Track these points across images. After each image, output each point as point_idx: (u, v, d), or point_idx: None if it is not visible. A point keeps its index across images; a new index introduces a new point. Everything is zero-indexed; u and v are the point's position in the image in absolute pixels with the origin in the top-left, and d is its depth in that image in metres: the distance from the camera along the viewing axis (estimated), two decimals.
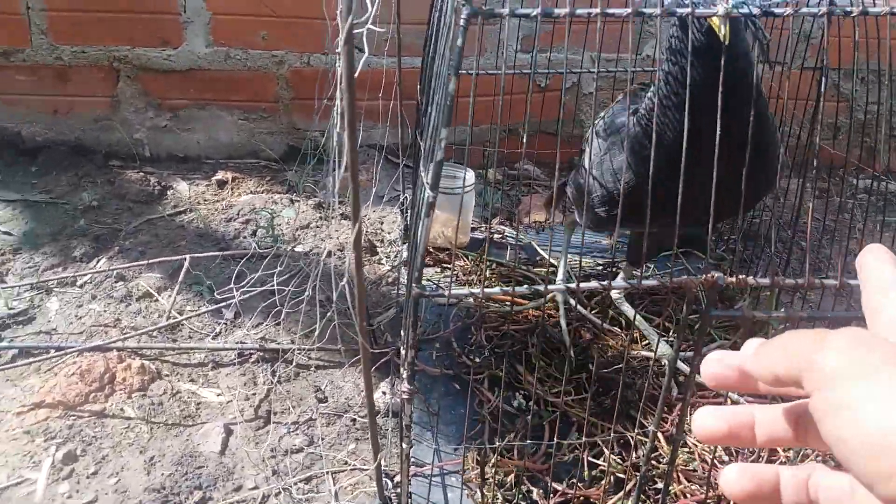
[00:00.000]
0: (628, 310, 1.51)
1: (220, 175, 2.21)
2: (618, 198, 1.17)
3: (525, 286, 0.91)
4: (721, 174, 0.81)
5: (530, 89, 2.06)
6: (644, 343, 1.49)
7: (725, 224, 1.87)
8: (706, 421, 0.41)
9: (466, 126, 2.27)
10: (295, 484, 1.22)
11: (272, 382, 1.44)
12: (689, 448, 1.23)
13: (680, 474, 1.18)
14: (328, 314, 1.28)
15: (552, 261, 1.75)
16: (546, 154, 2.36)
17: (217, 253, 1.77)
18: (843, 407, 0.31)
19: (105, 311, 1.63)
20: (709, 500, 1.08)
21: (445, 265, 1.79)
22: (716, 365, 0.41)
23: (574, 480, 1.15)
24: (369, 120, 2.28)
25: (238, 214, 2.01)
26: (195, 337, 1.57)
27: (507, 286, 1.69)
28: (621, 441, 1.24)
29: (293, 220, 1.97)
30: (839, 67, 1.86)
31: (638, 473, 1.12)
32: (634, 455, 1.20)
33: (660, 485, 1.14)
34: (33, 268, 1.76)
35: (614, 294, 1.53)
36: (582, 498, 1.14)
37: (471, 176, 1.80)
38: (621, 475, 1.17)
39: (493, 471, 1.17)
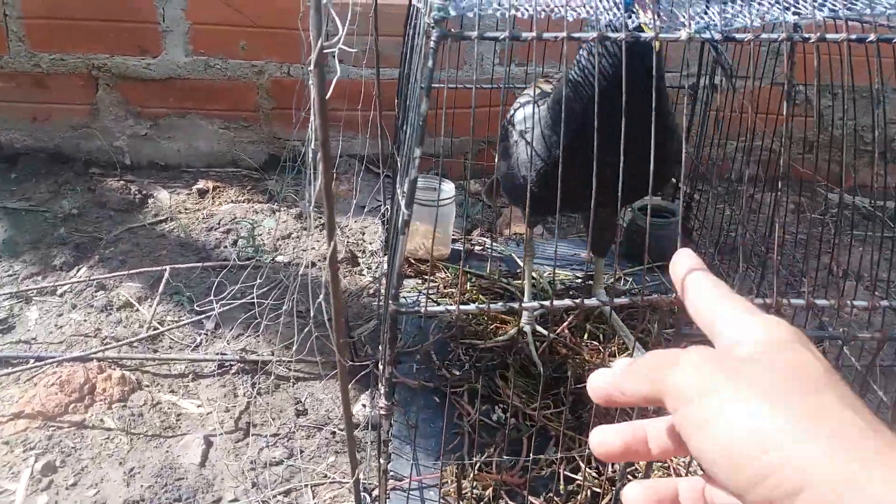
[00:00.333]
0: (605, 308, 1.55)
1: (200, 184, 2.22)
2: (545, 175, 1.22)
3: (500, 303, 0.93)
4: (618, 161, 0.84)
5: (503, 102, 2.08)
6: (623, 354, 1.52)
7: (704, 237, 1.90)
8: (602, 438, 0.41)
9: (447, 138, 2.29)
10: (274, 497, 1.23)
11: (252, 394, 1.45)
12: (665, 462, 1.26)
13: None
14: (308, 326, 1.29)
15: (533, 274, 1.77)
16: None
17: (197, 264, 1.78)
18: (700, 424, 0.32)
19: (85, 320, 1.63)
20: None
21: (426, 276, 1.81)
22: (600, 386, 0.40)
23: (551, 495, 1.17)
24: (350, 130, 2.29)
25: (219, 224, 2.01)
26: (176, 348, 1.57)
27: (489, 299, 1.71)
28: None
29: (274, 230, 1.98)
30: (805, 84, 1.90)
31: (614, 488, 1.14)
32: (611, 469, 1.22)
33: None
34: (13, 276, 1.76)
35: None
36: None
37: (450, 188, 1.81)
38: (597, 489, 1.19)
39: (472, 485, 1.19)
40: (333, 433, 1.37)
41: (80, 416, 1.37)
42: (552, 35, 0.90)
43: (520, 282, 1.77)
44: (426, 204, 1.76)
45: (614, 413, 1.28)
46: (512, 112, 1.45)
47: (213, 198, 2.18)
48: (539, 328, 1.56)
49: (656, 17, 0.88)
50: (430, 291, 1.73)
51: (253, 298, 1.55)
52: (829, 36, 0.90)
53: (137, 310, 1.67)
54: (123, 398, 1.43)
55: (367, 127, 2.14)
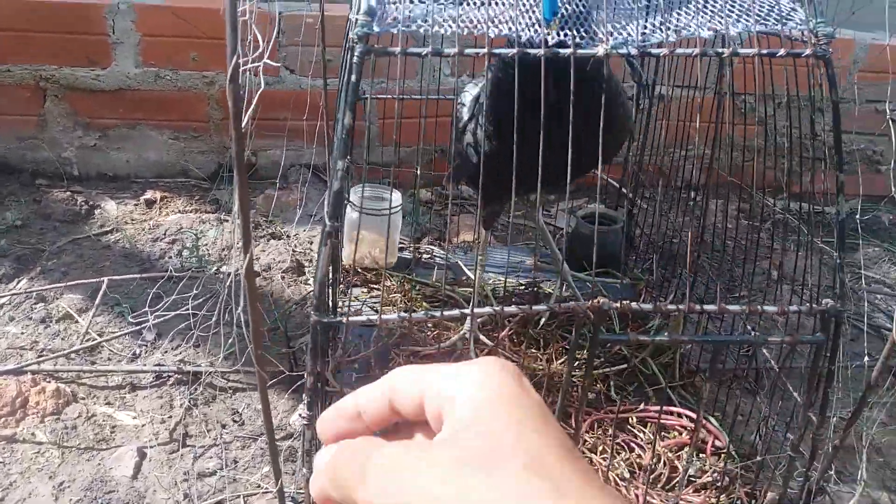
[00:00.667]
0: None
1: (148, 194, 2.20)
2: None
3: (423, 313, 0.93)
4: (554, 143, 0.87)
5: (455, 114, 2.10)
6: (560, 361, 1.53)
7: (646, 244, 1.93)
8: (322, 426, 0.40)
9: (401, 147, 2.31)
10: None
11: (189, 405, 1.44)
12: (589, 461, 1.27)
13: None
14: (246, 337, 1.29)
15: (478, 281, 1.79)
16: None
17: (135, 276, 1.77)
18: None
19: (22, 333, 1.61)
20: None
21: (372, 285, 1.81)
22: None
23: None
24: (298, 140, 2.29)
25: (165, 234, 2.00)
26: (115, 359, 1.56)
27: (433, 306, 1.72)
28: None
29: (219, 240, 1.97)
30: (745, 92, 1.94)
31: None
32: None
33: None
34: None
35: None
36: None
37: (397, 197, 1.82)
38: None
39: None
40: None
41: (10, 431, 1.35)
42: (474, 51, 0.92)
43: (464, 289, 1.78)
44: (372, 213, 1.77)
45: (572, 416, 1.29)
46: (462, 94, 1.48)
47: (160, 208, 2.17)
48: (482, 337, 1.57)
49: (566, 33, 0.90)
50: (375, 300, 1.73)
51: (192, 310, 1.54)
52: (741, 50, 0.93)
53: (77, 322, 1.65)
54: (57, 411, 1.41)
55: (314, 136, 2.15)
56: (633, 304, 0.92)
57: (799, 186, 1.39)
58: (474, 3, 0.98)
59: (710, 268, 1.57)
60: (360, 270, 1.84)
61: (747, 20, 0.90)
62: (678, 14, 0.92)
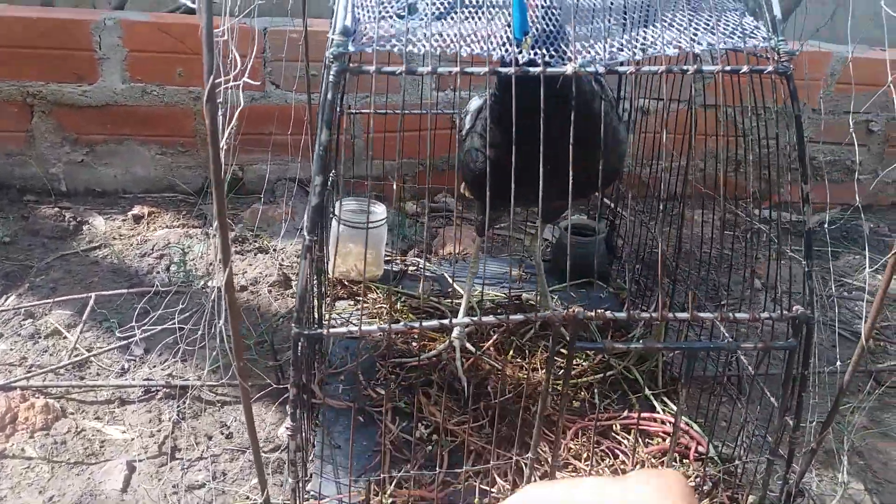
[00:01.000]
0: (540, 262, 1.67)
1: (136, 210, 2.22)
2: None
3: (402, 324, 0.96)
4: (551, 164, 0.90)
5: (432, 127, 2.13)
6: (544, 370, 1.55)
7: (630, 254, 1.95)
8: None
9: (390, 161, 2.33)
10: None
11: (177, 419, 1.46)
12: (574, 469, 1.29)
13: None
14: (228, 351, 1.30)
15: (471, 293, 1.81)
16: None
17: (122, 291, 1.78)
18: None
19: (11, 349, 1.62)
20: None
21: (359, 298, 1.83)
22: None
23: None
24: (285, 154, 2.32)
25: (153, 249, 2.02)
26: (104, 374, 1.57)
27: (418, 318, 1.74)
28: (515, 468, 1.29)
29: (206, 255, 1.99)
30: (726, 104, 1.97)
31: None
32: (526, 481, 1.25)
33: None
34: None
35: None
36: None
37: (381, 209, 1.85)
38: None
39: (390, 501, 1.21)
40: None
41: (0, 446, 1.36)
42: (447, 69, 0.95)
43: (449, 301, 1.80)
44: (356, 226, 1.79)
45: (532, 425, 1.31)
46: (467, 105, 1.51)
47: (148, 223, 2.18)
48: (468, 345, 1.59)
49: (537, 52, 0.93)
50: (360, 312, 1.75)
51: (181, 324, 1.56)
52: (705, 68, 0.96)
53: (65, 337, 1.66)
54: (47, 426, 1.42)
55: (299, 150, 2.17)
56: (607, 313, 0.94)
57: (777, 196, 1.42)
58: (458, 18, 1.00)
59: (686, 277, 1.59)
60: (346, 283, 1.86)
61: (712, 38, 0.93)
62: (645, 32, 0.95)
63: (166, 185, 2.37)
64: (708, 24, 0.96)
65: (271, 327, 1.70)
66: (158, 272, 1.92)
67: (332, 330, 0.93)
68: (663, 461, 1.36)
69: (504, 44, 0.95)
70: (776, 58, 0.96)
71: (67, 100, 2.25)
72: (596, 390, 1.50)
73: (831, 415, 1.04)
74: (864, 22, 1.47)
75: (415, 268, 2.02)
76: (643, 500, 0.36)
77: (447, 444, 1.34)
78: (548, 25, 0.98)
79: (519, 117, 0.93)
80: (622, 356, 1.58)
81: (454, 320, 0.95)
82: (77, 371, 1.57)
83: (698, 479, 1.30)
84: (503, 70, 0.93)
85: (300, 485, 1.10)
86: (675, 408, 1.48)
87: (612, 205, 1.98)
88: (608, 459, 1.35)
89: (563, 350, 0.96)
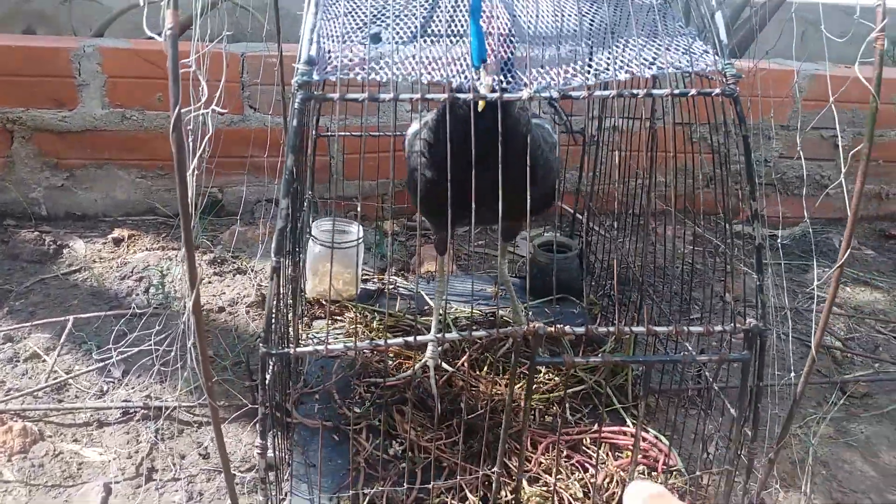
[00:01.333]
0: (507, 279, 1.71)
1: (116, 233, 2.24)
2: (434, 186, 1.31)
3: (367, 341, 0.98)
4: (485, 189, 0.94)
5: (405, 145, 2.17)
6: (518, 385, 1.58)
7: (602, 270, 1.99)
8: None
9: (369, 181, 2.36)
10: None
11: (155, 440, 1.47)
12: (544, 483, 1.32)
13: None
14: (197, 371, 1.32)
15: (440, 311, 1.84)
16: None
17: (99, 313, 1.80)
18: None
19: None
20: None
21: (335, 317, 1.86)
22: None
23: None
24: (264, 175, 2.35)
25: (132, 272, 2.04)
26: (82, 396, 1.59)
27: (393, 336, 1.76)
28: (486, 483, 1.32)
29: (184, 277, 2.00)
30: (698, 122, 2.02)
31: None
32: (497, 495, 1.27)
33: None
34: None
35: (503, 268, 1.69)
36: None
37: (356, 229, 1.88)
38: None
39: None
40: (233, 475, 1.40)
41: None
42: (408, 96, 0.99)
43: (426, 318, 1.83)
44: (330, 246, 1.81)
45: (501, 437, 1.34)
46: (408, 130, 1.56)
47: (128, 246, 2.20)
48: (443, 363, 1.62)
49: (496, 78, 0.97)
50: (337, 331, 1.78)
51: (157, 346, 1.58)
52: (655, 91, 1.00)
53: (44, 360, 1.68)
54: (24, 449, 1.43)
55: (276, 172, 2.20)
56: (566, 328, 0.97)
57: (749, 212, 1.45)
58: (420, 47, 1.04)
59: (654, 291, 1.63)
60: (323, 303, 1.89)
61: (662, 64, 0.97)
62: (598, 58, 0.99)
63: (146, 209, 2.40)
64: (659, 50, 1.00)
65: (248, 347, 1.72)
66: (138, 294, 1.94)
67: (298, 349, 0.96)
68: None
69: (463, 71, 0.99)
70: (723, 80, 1.01)
71: (47, 125, 2.28)
72: (567, 404, 1.53)
73: (786, 425, 1.08)
74: (834, 41, 1.52)
75: (392, 286, 2.05)
76: None
77: (420, 461, 1.37)
78: (505, 53, 1.02)
79: (452, 142, 0.98)
80: (594, 370, 1.61)
81: (419, 337, 0.98)
82: (55, 394, 1.59)
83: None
84: (462, 96, 0.97)
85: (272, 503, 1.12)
86: (642, 409, 1.51)
87: (585, 221, 2.02)
88: (578, 473, 1.38)
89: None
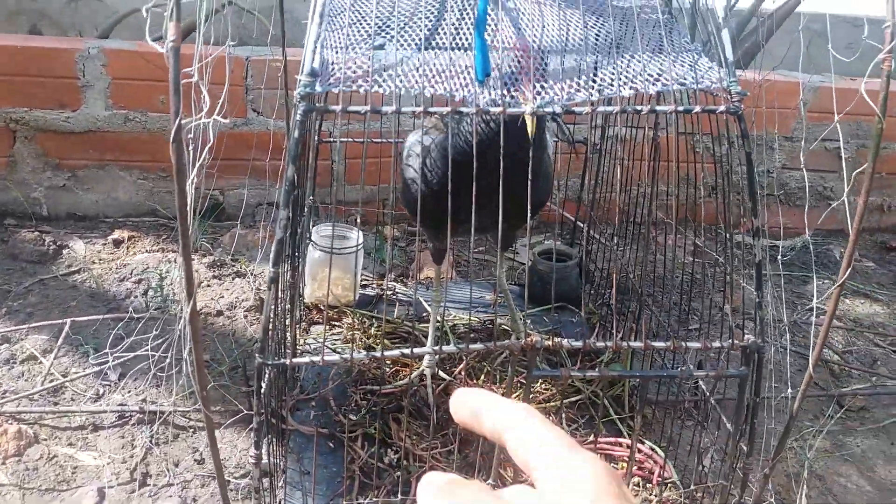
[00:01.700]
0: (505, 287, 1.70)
1: (116, 234, 2.24)
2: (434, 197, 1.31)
3: (363, 353, 0.98)
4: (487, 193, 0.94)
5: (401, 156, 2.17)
6: (515, 395, 1.58)
7: (601, 280, 1.99)
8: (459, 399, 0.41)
9: (371, 186, 2.36)
10: None
11: (150, 445, 1.47)
12: None
13: None
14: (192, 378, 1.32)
15: (437, 317, 1.83)
16: None
17: (97, 317, 1.80)
18: None
19: None
20: None
21: (334, 322, 1.85)
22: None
23: None
24: (263, 178, 2.35)
25: (131, 274, 2.04)
26: (78, 399, 1.58)
27: (392, 343, 1.76)
28: None
29: (182, 280, 2.00)
30: (702, 132, 2.02)
31: None
32: None
33: None
34: None
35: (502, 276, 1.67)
36: None
37: (356, 235, 1.87)
38: None
39: None
40: (228, 482, 1.39)
41: None
42: (410, 109, 0.98)
43: (424, 325, 1.83)
44: (329, 251, 1.81)
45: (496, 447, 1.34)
46: (406, 140, 1.55)
47: (127, 248, 2.20)
48: (441, 372, 1.62)
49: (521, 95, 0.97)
50: (335, 337, 1.78)
51: (154, 350, 1.58)
52: (658, 108, 1.00)
53: (41, 363, 1.68)
54: (19, 453, 1.43)
55: (278, 176, 2.19)
56: (564, 342, 0.97)
57: (751, 228, 1.45)
58: (424, 59, 1.04)
59: (653, 302, 1.63)
60: (321, 308, 1.89)
61: (666, 80, 0.97)
62: (602, 73, 0.98)
63: (147, 210, 2.40)
64: (664, 66, 1.00)
65: (245, 352, 1.72)
66: (136, 297, 1.94)
67: (294, 360, 0.96)
68: (629, 485, 1.39)
69: (466, 85, 0.99)
70: (728, 98, 1.00)
71: (50, 126, 2.28)
72: (563, 415, 1.53)
73: (782, 441, 1.07)
74: (841, 52, 1.51)
75: (391, 292, 2.05)
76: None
77: (415, 470, 1.37)
78: (509, 67, 1.02)
79: (465, 155, 0.98)
80: (591, 381, 1.61)
81: (416, 349, 0.98)
82: (51, 396, 1.58)
83: None
84: (464, 110, 0.96)
85: None
86: (638, 423, 1.51)
87: (586, 230, 2.02)
88: None
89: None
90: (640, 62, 1.03)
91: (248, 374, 1.60)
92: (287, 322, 1.31)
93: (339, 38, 1.07)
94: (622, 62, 1.03)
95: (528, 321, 1.86)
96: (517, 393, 1.55)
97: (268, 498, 1.17)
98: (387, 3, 1.17)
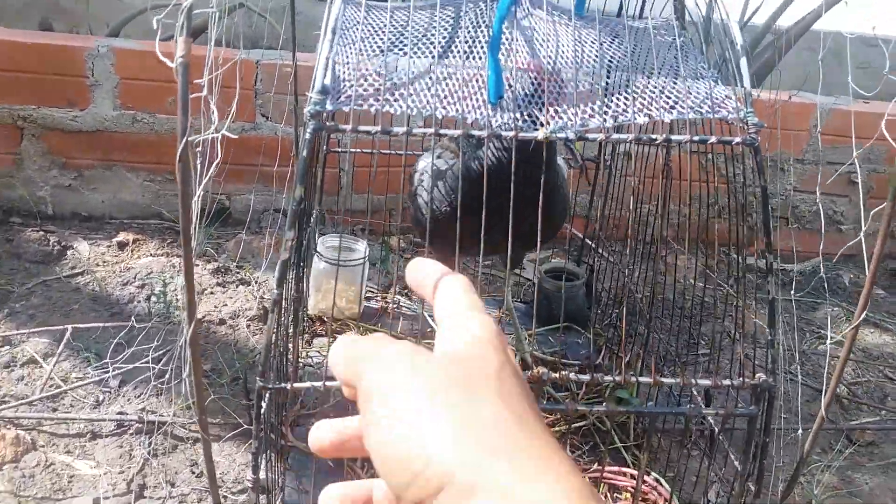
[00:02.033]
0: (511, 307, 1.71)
1: (121, 236, 2.22)
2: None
3: None
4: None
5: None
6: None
7: (609, 300, 1.96)
8: (317, 433, 0.41)
9: (379, 196, 2.34)
10: None
11: (148, 455, 1.45)
12: None
13: None
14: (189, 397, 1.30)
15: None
16: None
17: (98, 324, 1.78)
18: (373, 423, 0.33)
19: None
20: None
21: (337, 335, 1.83)
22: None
23: None
24: (271, 184, 2.34)
25: (135, 278, 2.02)
26: (77, 406, 1.57)
27: None
28: None
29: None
30: (714, 153, 2.00)
31: None
32: None
33: None
34: None
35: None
36: None
37: (361, 247, 1.86)
38: None
39: None
40: (225, 497, 1.38)
41: None
42: (422, 130, 0.97)
43: (427, 341, 1.80)
44: (335, 263, 1.79)
45: None
46: (417, 162, 1.55)
47: (132, 251, 2.19)
48: None
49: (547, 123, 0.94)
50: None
51: (153, 359, 1.56)
52: (674, 137, 0.98)
53: (41, 367, 1.66)
54: (16, 459, 1.42)
55: (285, 182, 2.18)
56: (571, 375, 0.95)
57: (766, 263, 1.43)
58: (436, 79, 1.02)
59: (660, 325, 1.60)
60: (325, 320, 1.87)
61: (682, 108, 0.95)
62: (617, 100, 0.96)
63: (153, 213, 2.38)
64: (679, 94, 0.98)
65: (247, 364, 1.70)
66: (139, 302, 1.93)
67: (296, 385, 0.94)
68: None
69: (478, 107, 0.97)
70: (745, 128, 0.98)
71: (58, 124, 2.27)
72: (568, 441, 1.51)
73: (790, 485, 1.05)
74: (854, 71, 1.49)
75: (395, 305, 2.03)
76: None
77: None
78: (523, 89, 1.00)
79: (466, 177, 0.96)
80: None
81: None
82: (50, 402, 1.57)
83: None
84: (477, 133, 0.95)
85: None
86: (644, 461, 1.48)
87: (594, 248, 2.00)
88: None
89: None
90: (655, 88, 1.01)
91: (248, 386, 1.58)
92: (290, 342, 1.29)
93: (351, 52, 1.05)
94: (637, 87, 1.01)
95: (534, 341, 1.84)
96: None
97: None
98: (401, 16, 1.16)
